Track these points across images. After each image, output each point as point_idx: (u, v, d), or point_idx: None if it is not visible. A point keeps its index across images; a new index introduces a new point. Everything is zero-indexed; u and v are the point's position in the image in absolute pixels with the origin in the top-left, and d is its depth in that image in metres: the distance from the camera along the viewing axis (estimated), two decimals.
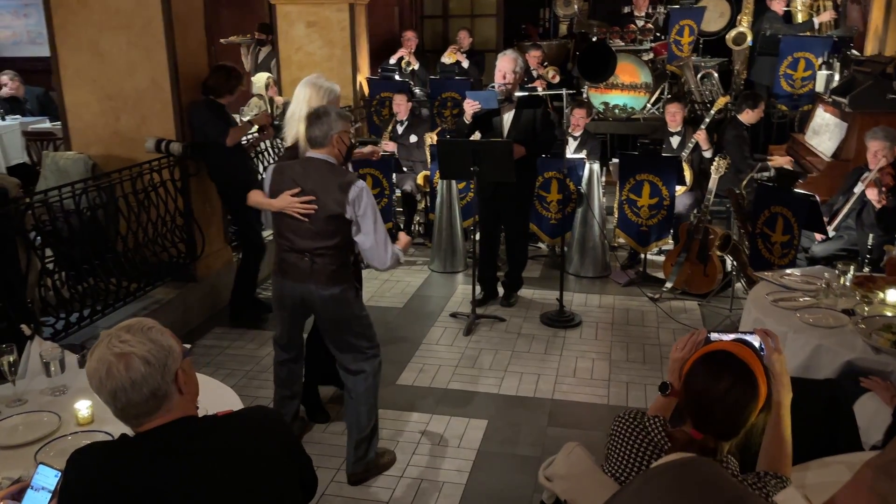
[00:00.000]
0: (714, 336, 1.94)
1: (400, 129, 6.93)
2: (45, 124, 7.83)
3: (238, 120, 5.12)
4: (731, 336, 1.91)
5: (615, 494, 1.46)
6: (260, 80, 7.94)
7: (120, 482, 1.56)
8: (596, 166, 5.92)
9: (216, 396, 2.45)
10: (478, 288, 5.23)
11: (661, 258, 6.00)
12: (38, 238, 3.98)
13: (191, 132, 4.85)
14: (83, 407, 2.32)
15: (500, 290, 5.44)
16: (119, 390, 1.56)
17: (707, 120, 6.12)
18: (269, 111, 7.35)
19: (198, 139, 4.79)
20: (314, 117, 3.08)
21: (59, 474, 1.74)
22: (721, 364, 1.70)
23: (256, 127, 5.19)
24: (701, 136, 5.97)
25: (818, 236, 4.97)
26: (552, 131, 5.24)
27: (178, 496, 1.56)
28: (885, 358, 2.77)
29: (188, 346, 1.73)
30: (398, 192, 6.62)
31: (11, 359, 2.46)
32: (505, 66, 4.84)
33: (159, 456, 1.59)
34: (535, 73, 8.09)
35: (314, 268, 3.08)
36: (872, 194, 4.59)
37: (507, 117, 4.91)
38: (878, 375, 2.69)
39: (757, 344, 1.90)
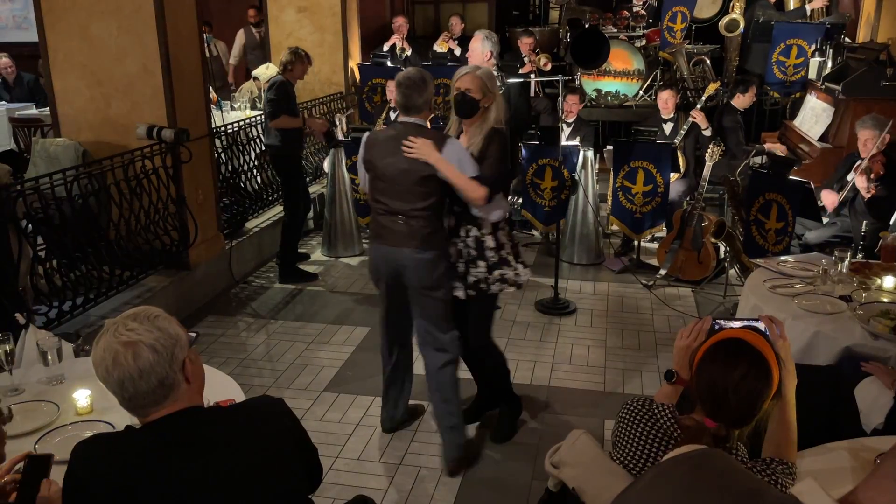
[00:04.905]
0: (720, 323, 1.92)
1: (393, 116, 6.88)
2: (32, 111, 7.73)
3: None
4: (739, 323, 1.89)
5: (629, 486, 1.45)
6: (271, 69, 7.79)
7: (126, 473, 1.54)
8: (590, 153, 5.90)
9: (216, 385, 2.42)
10: None
11: (655, 245, 6.01)
12: (30, 226, 3.94)
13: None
14: (82, 397, 2.29)
15: None
16: (126, 380, 1.54)
17: (703, 98, 6.12)
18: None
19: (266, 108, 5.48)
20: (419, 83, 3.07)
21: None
22: (734, 352, 1.68)
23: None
24: (699, 116, 5.96)
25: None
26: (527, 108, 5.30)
27: (184, 487, 1.54)
28: (884, 344, 2.79)
29: (194, 334, 1.70)
30: None
31: (8, 348, 2.43)
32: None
33: (165, 447, 1.57)
34: (525, 60, 8.05)
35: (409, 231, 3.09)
36: (861, 183, 4.61)
37: None
38: (877, 361, 2.70)
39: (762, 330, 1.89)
